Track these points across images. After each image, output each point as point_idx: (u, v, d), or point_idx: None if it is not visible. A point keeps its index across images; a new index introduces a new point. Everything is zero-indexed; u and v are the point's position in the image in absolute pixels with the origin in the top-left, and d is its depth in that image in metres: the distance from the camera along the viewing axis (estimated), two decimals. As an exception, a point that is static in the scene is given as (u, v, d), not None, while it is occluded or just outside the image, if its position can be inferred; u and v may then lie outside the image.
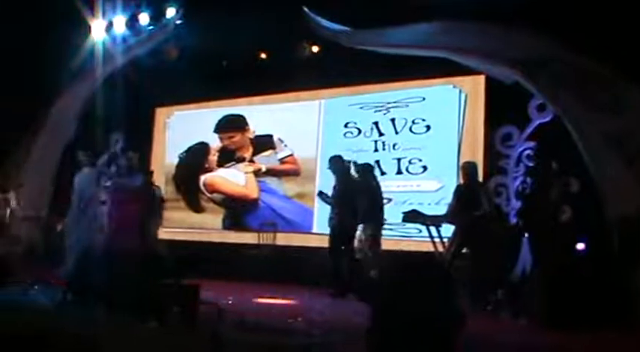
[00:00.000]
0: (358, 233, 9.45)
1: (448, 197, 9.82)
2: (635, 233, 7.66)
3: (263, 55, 13.06)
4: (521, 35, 9.27)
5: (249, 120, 13.59)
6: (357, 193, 9.79)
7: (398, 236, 10.96)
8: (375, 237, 9.57)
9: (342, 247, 9.85)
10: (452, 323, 4.17)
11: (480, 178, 9.98)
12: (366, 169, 10.07)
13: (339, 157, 10.42)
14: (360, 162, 10.29)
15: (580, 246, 8.50)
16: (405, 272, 3.14)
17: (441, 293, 3.99)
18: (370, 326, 4.43)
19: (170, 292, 6.53)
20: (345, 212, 9.84)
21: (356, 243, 9.44)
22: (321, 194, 10.47)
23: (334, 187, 10.26)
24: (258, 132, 13.42)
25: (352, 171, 10.05)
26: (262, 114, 13.55)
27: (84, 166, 10.43)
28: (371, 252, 9.39)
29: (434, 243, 8.88)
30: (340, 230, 9.92)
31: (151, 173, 12.59)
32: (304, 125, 12.91)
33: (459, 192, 9.33)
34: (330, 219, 10.19)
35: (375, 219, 9.67)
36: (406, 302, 4.25)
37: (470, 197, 9.03)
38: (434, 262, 5.10)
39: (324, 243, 10.33)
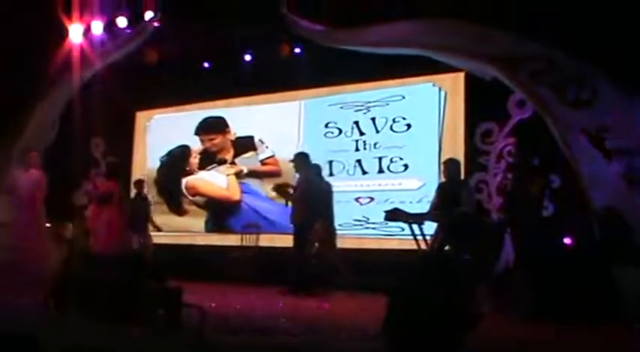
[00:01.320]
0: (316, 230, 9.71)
1: (430, 195, 9.85)
2: (616, 227, 7.69)
3: (242, 57, 13.03)
4: (500, 32, 9.29)
5: (229, 122, 13.57)
6: (315, 191, 10.01)
7: (380, 235, 10.99)
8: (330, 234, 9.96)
9: (302, 244, 9.98)
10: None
11: (462, 175, 10.02)
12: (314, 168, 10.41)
13: (304, 154, 10.51)
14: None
15: (562, 240, 8.55)
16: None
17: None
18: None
19: (153, 295, 6.50)
20: (305, 209, 9.96)
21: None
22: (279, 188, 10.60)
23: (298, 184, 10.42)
24: (239, 134, 13.41)
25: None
26: (243, 116, 13.53)
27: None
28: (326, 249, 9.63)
29: (417, 241, 8.88)
30: (301, 227, 10.03)
31: (142, 181, 12.59)
32: (285, 126, 12.91)
33: (441, 189, 9.36)
34: (293, 215, 10.32)
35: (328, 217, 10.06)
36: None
37: (452, 194, 9.05)
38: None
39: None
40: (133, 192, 12.77)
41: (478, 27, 9.47)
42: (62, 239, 11.35)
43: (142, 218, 12.02)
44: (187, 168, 13.89)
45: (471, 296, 5.41)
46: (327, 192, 10.29)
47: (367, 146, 11.92)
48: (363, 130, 12.00)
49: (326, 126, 12.40)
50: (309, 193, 10.04)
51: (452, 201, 8.96)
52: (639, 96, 8.25)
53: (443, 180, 9.65)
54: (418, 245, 8.87)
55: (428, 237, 8.95)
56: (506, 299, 7.77)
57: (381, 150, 11.78)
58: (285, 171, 12.55)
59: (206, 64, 13.47)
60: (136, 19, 12.72)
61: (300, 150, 11.51)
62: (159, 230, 13.60)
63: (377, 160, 11.78)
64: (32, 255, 9.73)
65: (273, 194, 12.41)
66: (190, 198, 13.79)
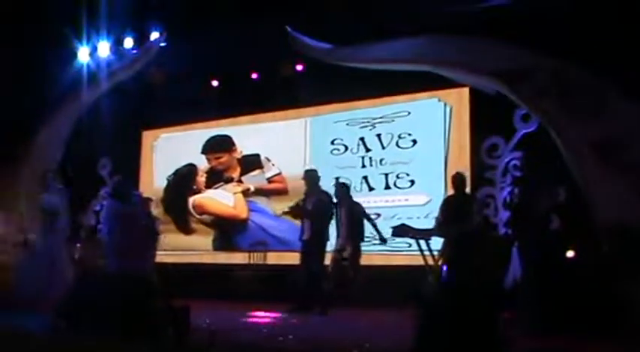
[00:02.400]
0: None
1: (436, 210, 9.85)
2: (623, 240, 7.67)
3: (248, 75, 13.07)
4: (503, 46, 9.31)
5: (235, 140, 13.60)
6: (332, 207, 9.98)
7: (388, 251, 10.98)
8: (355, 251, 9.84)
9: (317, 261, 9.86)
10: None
11: (468, 190, 10.02)
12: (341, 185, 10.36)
13: (315, 171, 10.47)
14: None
15: (569, 254, 8.53)
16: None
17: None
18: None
19: (161, 315, 6.51)
20: (323, 225, 9.92)
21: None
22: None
23: (311, 200, 10.16)
24: (246, 152, 13.43)
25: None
26: (249, 134, 13.57)
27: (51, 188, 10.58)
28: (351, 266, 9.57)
29: (424, 256, 8.87)
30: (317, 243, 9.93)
31: (149, 200, 12.59)
32: (291, 143, 12.95)
33: (447, 203, 9.36)
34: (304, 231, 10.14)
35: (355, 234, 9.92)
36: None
37: (458, 208, 9.06)
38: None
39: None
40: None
41: (481, 42, 9.50)
42: (72, 259, 11.36)
43: (151, 236, 11.97)
44: (194, 187, 13.91)
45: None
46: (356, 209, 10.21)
47: (373, 162, 11.95)
48: (369, 147, 12.03)
49: (332, 143, 12.44)
50: (324, 210, 9.99)
51: (458, 216, 8.96)
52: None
53: (450, 193, 9.63)
54: (425, 261, 8.86)
55: (435, 253, 8.94)
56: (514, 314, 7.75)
57: (387, 166, 11.81)
58: (292, 189, 12.56)
59: (213, 83, 13.51)
60: (141, 39, 12.81)
61: (308, 167, 11.51)
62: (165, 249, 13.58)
63: (383, 176, 11.80)
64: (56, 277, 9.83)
65: (281, 212, 12.40)
66: (197, 216, 13.81)
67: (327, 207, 9.98)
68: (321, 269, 9.81)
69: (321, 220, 9.94)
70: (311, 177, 10.32)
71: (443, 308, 5.48)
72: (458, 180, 9.56)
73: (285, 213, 11.06)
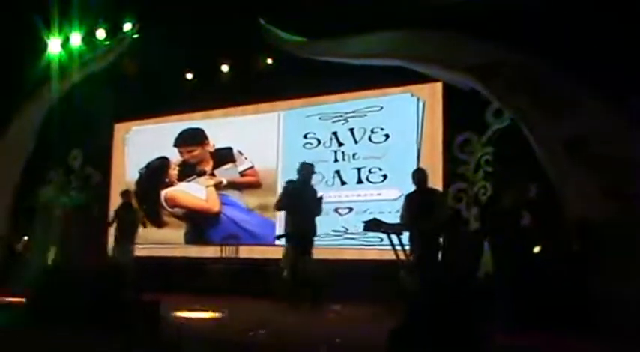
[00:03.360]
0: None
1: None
2: (594, 236, 7.73)
3: (221, 68, 13.02)
4: (476, 41, 9.34)
5: (208, 134, 13.55)
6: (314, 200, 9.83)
7: (360, 245, 11.00)
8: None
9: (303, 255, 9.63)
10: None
11: (440, 185, 10.05)
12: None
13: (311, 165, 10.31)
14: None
15: (540, 250, 8.56)
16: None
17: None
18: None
19: (131, 308, 6.48)
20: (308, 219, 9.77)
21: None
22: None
23: (298, 194, 9.86)
24: (218, 146, 13.38)
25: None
26: (221, 127, 13.51)
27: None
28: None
29: (395, 251, 8.88)
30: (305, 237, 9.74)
31: (128, 192, 12.51)
32: (264, 137, 12.89)
33: (409, 200, 9.34)
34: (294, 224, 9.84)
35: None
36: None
37: (422, 204, 9.06)
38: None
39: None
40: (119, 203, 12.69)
41: (454, 37, 9.53)
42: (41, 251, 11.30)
43: (129, 228, 11.92)
44: (167, 180, 13.85)
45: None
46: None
47: (346, 157, 11.93)
48: (342, 141, 12.01)
49: (305, 136, 12.40)
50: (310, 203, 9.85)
51: (422, 211, 8.97)
52: (619, 104, 8.28)
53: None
54: (397, 255, 8.87)
55: (407, 248, 8.96)
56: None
57: (359, 161, 11.79)
58: (264, 183, 12.54)
59: (186, 76, 13.42)
60: (114, 30, 12.73)
61: (279, 161, 11.46)
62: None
63: (356, 171, 11.79)
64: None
65: (253, 205, 12.36)
66: (169, 210, 13.75)
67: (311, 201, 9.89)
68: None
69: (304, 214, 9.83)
70: (304, 170, 10.16)
71: (421, 303, 5.50)
72: (418, 175, 9.53)
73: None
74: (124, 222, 11.84)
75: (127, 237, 11.76)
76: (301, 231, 9.61)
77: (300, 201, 9.64)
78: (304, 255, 9.52)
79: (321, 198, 9.78)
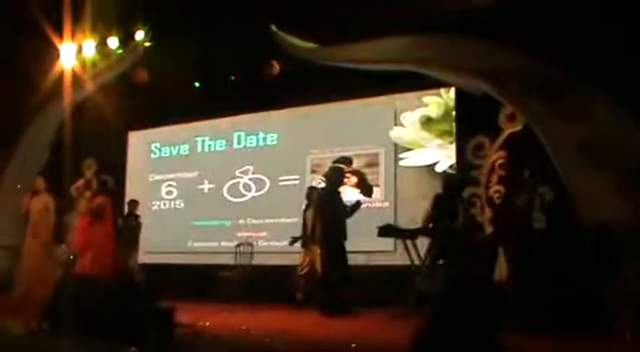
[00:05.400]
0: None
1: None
2: (609, 239, 7.70)
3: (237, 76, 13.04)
4: (489, 46, 9.32)
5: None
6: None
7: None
8: None
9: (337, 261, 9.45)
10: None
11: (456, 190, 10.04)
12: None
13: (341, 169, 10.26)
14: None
15: (554, 254, 8.53)
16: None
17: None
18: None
19: (146, 316, 6.48)
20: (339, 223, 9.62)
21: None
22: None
23: (331, 198, 9.78)
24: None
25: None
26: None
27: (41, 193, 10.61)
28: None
29: (410, 256, 8.88)
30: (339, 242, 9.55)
31: (134, 202, 12.56)
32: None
33: (436, 201, 9.32)
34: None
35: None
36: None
37: (446, 207, 9.05)
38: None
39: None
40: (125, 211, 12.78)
41: (467, 41, 9.51)
42: (57, 260, 11.32)
43: (132, 237, 12.01)
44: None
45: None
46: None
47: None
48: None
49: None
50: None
51: (446, 214, 8.96)
52: (631, 108, 8.25)
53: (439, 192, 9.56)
54: (411, 260, 8.87)
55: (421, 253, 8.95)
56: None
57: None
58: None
59: (199, 84, 13.40)
60: (127, 39, 12.76)
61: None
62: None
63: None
64: (42, 278, 9.79)
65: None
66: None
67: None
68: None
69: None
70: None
71: (443, 305, 5.51)
72: (447, 179, 9.55)
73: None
74: (128, 231, 11.93)
75: (130, 245, 11.86)
76: (332, 236, 9.48)
77: (331, 205, 9.61)
78: (335, 261, 9.38)
79: (359, 203, 9.73)
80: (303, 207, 10.90)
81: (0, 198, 12.37)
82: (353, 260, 9.48)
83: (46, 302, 7.54)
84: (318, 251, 9.68)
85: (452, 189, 9.46)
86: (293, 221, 11.24)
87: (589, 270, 7.71)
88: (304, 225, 10.68)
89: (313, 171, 12.32)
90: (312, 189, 10.94)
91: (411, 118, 11.66)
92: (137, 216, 12.47)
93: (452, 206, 9.09)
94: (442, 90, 11.33)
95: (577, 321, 7.16)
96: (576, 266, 8.03)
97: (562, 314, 7.28)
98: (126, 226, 11.99)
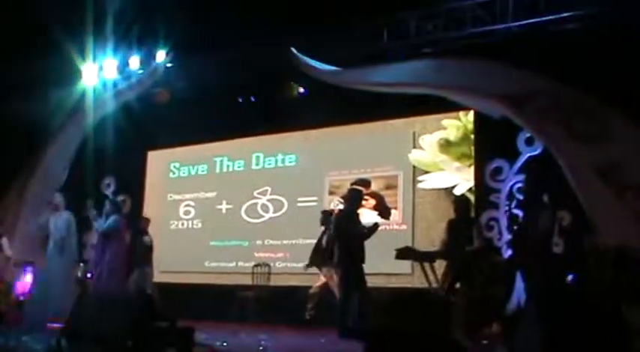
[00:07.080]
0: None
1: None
2: (628, 263, 7.66)
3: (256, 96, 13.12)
4: (507, 69, 9.35)
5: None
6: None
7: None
8: None
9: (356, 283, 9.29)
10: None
11: (472, 213, 10.02)
12: None
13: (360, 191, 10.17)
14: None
15: (573, 279, 8.50)
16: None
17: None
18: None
19: (164, 335, 6.50)
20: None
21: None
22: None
23: (349, 220, 9.58)
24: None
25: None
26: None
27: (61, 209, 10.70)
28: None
29: (427, 279, 8.85)
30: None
31: (147, 220, 12.57)
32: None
33: (450, 226, 9.32)
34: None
35: None
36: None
37: (462, 231, 9.03)
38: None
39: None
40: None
41: (485, 65, 9.54)
42: (76, 279, 11.37)
43: (144, 255, 12.01)
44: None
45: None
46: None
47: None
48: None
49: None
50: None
51: (462, 239, 8.93)
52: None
53: (453, 217, 9.55)
54: (429, 283, 8.84)
55: (438, 276, 8.92)
56: (518, 339, 7.72)
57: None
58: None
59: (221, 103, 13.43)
60: (147, 59, 12.86)
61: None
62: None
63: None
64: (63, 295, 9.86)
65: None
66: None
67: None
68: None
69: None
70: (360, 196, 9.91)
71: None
72: (460, 202, 9.55)
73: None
74: (140, 248, 11.96)
75: (143, 263, 11.87)
76: (350, 258, 9.34)
77: (349, 227, 9.58)
78: (353, 283, 9.24)
79: (376, 225, 9.66)
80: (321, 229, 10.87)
81: (21, 214, 12.40)
82: (371, 282, 9.42)
83: (65, 320, 7.58)
84: (334, 272, 9.71)
85: (463, 213, 9.43)
86: (311, 242, 11.16)
87: (609, 297, 7.67)
88: (317, 246, 10.74)
89: (331, 193, 12.32)
90: (325, 212, 10.95)
91: (429, 141, 11.65)
92: (148, 234, 12.37)
93: (466, 230, 9.05)
94: (461, 114, 11.30)
95: (596, 349, 7.11)
96: (596, 293, 8.00)
97: (581, 342, 7.23)
98: (138, 244, 11.97)
